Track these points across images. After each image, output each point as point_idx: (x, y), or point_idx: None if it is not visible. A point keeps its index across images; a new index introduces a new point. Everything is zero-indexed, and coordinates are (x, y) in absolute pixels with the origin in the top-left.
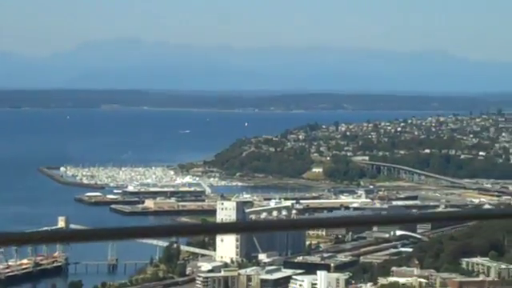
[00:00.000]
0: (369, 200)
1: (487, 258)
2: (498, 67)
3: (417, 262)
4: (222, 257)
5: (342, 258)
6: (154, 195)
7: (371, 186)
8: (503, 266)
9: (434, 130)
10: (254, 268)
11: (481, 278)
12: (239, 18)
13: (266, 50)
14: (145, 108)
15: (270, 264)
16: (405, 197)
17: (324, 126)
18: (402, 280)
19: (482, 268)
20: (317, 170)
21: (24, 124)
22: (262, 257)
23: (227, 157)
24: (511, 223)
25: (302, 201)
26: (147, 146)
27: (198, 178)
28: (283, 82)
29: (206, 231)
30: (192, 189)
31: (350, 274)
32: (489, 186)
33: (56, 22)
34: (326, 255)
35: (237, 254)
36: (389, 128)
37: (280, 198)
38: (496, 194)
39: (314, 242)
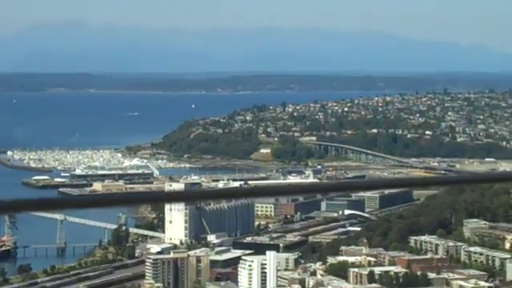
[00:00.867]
0: (317, 180)
1: (435, 236)
2: (443, 47)
3: (365, 241)
4: (170, 239)
5: (291, 237)
6: (102, 178)
7: (319, 166)
8: (451, 244)
9: (380, 109)
10: (203, 249)
11: (429, 255)
12: None
13: (213, 31)
14: (91, 91)
15: (220, 245)
16: (352, 176)
17: (271, 107)
18: (350, 259)
19: (430, 246)
20: (265, 150)
21: None
22: (211, 238)
23: (175, 139)
24: (458, 201)
25: (250, 182)
26: (94, 128)
27: (145, 161)
28: (230, 63)
29: (156, 199)
30: (140, 171)
31: (300, 254)
32: (436, 164)
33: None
34: (274, 235)
35: (186, 236)
36: (336, 108)
37: (228, 180)
38: (443, 172)
39: (262, 223)
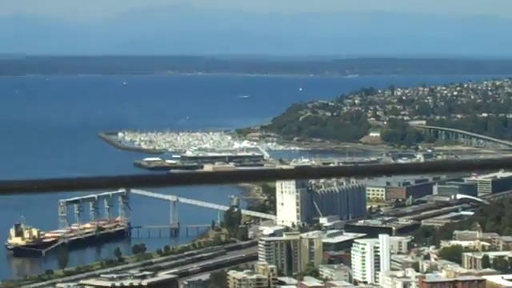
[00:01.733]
0: None
1: None
2: None
3: (478, 226)
4: (282, 221)
5: (404, 221)
6: (212, 160)
7: (429, 150)
8: None
9: (490, 93)
10: (315, 232)
11: None
12: None
13: (322, 14)
14: (199, 73)
15: (331, 228)
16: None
17: (379, 91)
18: (464, 243)
19: None
20: (374, 134)
21: (82, 90)
22: (323, 220)
23: (284, 121)
24: None
25: (360, 165)
26: (204, 111)
27: (255, 143)
28: (338, 46)
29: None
30: (250, 153)
31: (412, 238)
32: None
33: None
34: (386, 219)
35: (297, 218)
36: (445, 92)
37: (338, 163)
38: None
39: (374, 206)
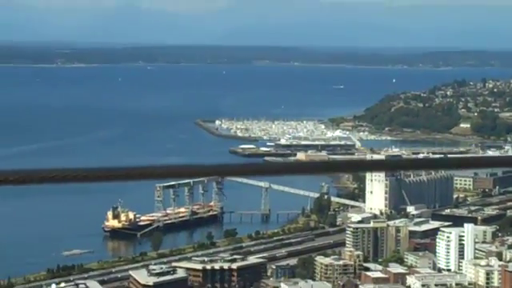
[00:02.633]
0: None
1: None
2: None
3: None
4: (371, 208)
5: (489, 211)
6: (305, 148)
7: None
8: None
9: None
10: (402, 220)
11: None
12: None
13: (415, 7)
14: (295, 64)
15: (418, 216)
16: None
17: (471, 83)
18: None
19: None
20: (464, 125)
21: (182, 79)
22: (411, 209)
23: (376, 112)
24: None
25: (449, 155)
26: (299, 100)
27: (348, 132)
28: (432, 39)
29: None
30: (342, 142)
31: (497, 227)
32: None
33: None
34: (473, 208)
35: (385, 206)
36: None
37: (428, 153)
38: None
39: (461, 196)
